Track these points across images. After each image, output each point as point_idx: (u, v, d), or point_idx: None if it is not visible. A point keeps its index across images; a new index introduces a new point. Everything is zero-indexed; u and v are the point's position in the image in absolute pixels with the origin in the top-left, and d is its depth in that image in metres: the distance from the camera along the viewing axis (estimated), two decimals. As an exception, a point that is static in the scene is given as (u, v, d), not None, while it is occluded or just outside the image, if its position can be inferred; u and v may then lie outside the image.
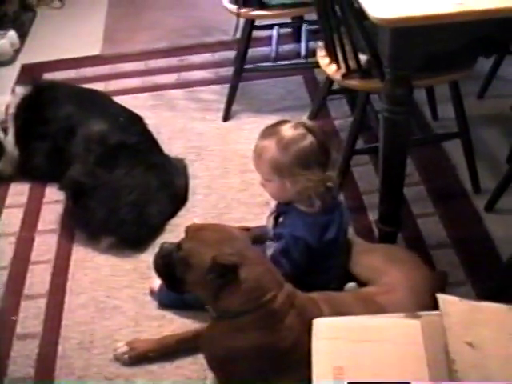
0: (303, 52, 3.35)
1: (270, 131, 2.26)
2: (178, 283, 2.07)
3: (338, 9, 2.39)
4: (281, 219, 2.34)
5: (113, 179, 2.78)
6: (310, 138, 2.18)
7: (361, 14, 2.11)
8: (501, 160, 2.97)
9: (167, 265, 2.07)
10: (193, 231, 2.06)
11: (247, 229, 2.16)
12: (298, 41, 3.64)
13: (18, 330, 2.48)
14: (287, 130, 2.21)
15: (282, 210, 2.35)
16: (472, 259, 2.57)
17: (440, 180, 2.97)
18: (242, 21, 3.23)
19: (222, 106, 3.48)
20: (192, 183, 3.05)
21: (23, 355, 2.38)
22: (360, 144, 3.03)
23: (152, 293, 2.52)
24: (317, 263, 2.28)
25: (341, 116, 3.37)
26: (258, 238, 2.17)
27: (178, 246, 2.04)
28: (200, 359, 2.23)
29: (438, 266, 2.54)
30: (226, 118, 3.46)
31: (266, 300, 1.95)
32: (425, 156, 3.06)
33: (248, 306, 1.96)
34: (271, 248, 2.29)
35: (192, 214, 2.87)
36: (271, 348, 1.96)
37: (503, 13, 1.94)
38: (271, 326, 1.96)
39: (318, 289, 2.16)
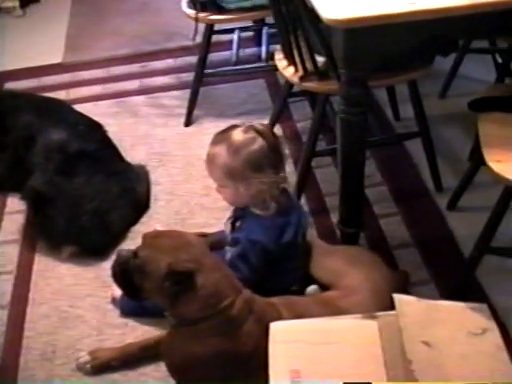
0: (264, 55, 3.34)
1: (221, 137, 2.26)
2: (135, 291, 2.05)
3: (293, 11, 2.39)
4: (238, 224, 2.34)
5: (73, 187, 2.76)
6: (259, 141, 2.19)
7: (315, 16, 2.11)
8: (463, 159, 2.98)
9: (124, 272, 2.05)
10: (149, 238, 2.04)
11: (204, 235, 2.15)
12: (260, 44, 3.63)
13: (-20, 341, 2.45)
14: (237, 135, 2.22)
15: (239, 215, 2.34)
16: (435, 258, 2.58)
17: (402, 180, 2.98)
18: (202, 25, 3.23)
19: (184, 111, 3.47)
20: (154, 189, 3.04)
21: (-15, 367, 2.36)
22: (323, 146, 3.04)
23: (114, 301, 2.51)
24: (275, 266, 2.28)
25: (303, 118, 3.37)
26: (216, 243, 2.15)
27: (135, 253, 2.02)
28: (163, 366, 2.20)
29: (401, 266, 2.55)
30: (188, 123, 3.45)
31: (223, 306, 1.94)
32: (386, 156, 3.08)
33: (205, 312, 1.94)
34: (229, 253, 2.28)
35: (154, 221, 2.85)
36: (231, 354, 1.95)
37: (454, 11, 1.95)
38: (230, 332, 1.95)
39: (279, 292, 2.16)
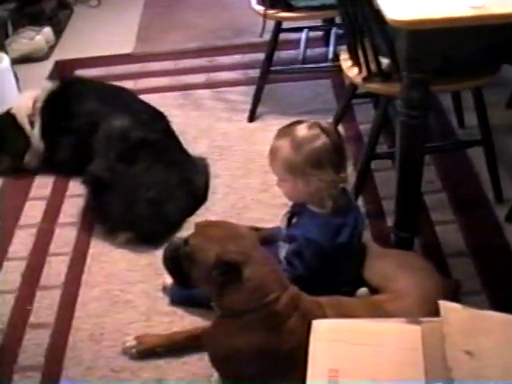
0: (330, 55, 3.35)
1: (285, 131, 2.27)
2: (184, 278, 2.08)
3: (360, 12, 2.38)
4: (294, 220, 2.34)
5: (132, 175, 2.80)
6: (323, 139, 2.18)
7: (381, 17, 2.10)
8: (526, 170, 2.93)
9: (174, 259, 2.08)
10: (201, 227, 2.07)
11: (257, 229, 2.16)
12: (328, 45, 3.64)
13: (32, 319, 2.51)
14: (301, 130, 2.21)
15: (296, 211, 2.35)
16: (489, 269, 2.53)
17: (462, 188, 2.93)
18: (271, 23, 3.24)
19: (249, 107, 3.49)
20: (213, 182, 3.06)
21: (34, 344, 2.41)
22: (384, 149, 3.02)
23: (165, 289, 2.53)
24: (329, 266, 2.27)
25: (366, 121, 3.34)
26: (267, 238, 2.16)
27: (186, 241, 2.04)
28: (207, 357, 2.23)
29: (454, 275, 2.51)
30: (252, 118, 3.46)
31: (268, 300, 1.95)
32: (448, 163, 3.04)
33: (250, 305, 1.95)
34: (283, 248, 2.28)
35: (211, 213, 2.88)
36: (273, 349, 1.96)
37: (521, 18, 1.92)
38: (273, 327, 1.96)
39: (330, 292, 2.15)
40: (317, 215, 2.25)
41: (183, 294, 2.43)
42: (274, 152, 2.27)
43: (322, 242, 2.21)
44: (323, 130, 2.21)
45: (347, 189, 2.35)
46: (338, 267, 2.29)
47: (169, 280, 2.47)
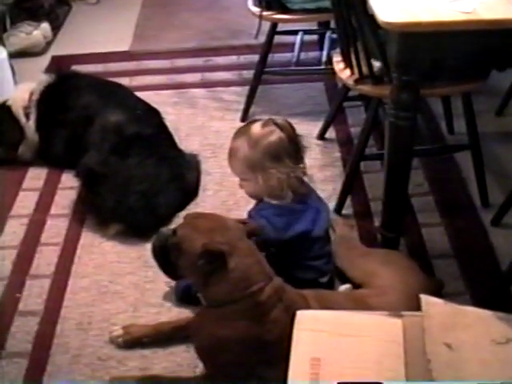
0: (324, 58, 3.39)
1: (241, 131, 2.40)
2: (172, 268, 2.12)
3: (354, 15, 2.43)
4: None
5: (125, 168, 2.84)
6: (278, 133, 2.31)
7: (375, 21, 2.14)
8: (512, 176, 2.98)
9: (163, 249, 2.12)
10: (189, 218, 2.12)
11: (244, 222, 2.19)
12: (322, 49, 3.68)
13: (21, 307, 2.54)
14: (256, 128, 2.34)
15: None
16: (473, 271, 2.58)
17: (449, 192, 2.98)
18: (267, 26, 3.29)
19: (242, 106, 3.53)
20: (204, 179, 3.10)
21: (23, 331, 2.44)
22: (374, 152, 3.06)
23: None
24: (295, 256, 2.34)
25: (357, 123, 3.37)
26: (254, 231, 2.19)
27: (174, 231, 2.09)
28: (193, 348, 2.26)
29: (438, 276, 2.54)
30: (244, 118, 3.49)
31: (252, 291, 2.00)
32: (436, 167, 3.09)
33: (234, 295, 2.00)
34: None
35: (201, 208, 2.91)
36: (256, 339, 2.00)
37: (509, 24, 1.96)
38: (257, 318, 2.00)
39: (308, 284, 2.21)
40: (273, 204, 2.35)
41: (187, 292, 2.44)
42: (233, 153, 2.38)
43: (271, 217, 2.30)
44: (277, 125, 2.32)
45: (303, 177, 2.42)
46: (305, 257, 2.36)
47: None
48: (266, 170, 2.30)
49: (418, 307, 1.99)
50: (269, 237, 2.26)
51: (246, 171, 2.34)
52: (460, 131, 3.22)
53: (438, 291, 2.37)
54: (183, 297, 2.48)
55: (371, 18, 2.20)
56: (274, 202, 2.34)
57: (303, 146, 2.39)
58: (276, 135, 2.30)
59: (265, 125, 2.33)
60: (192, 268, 2.02)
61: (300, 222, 2.32)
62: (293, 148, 2.32)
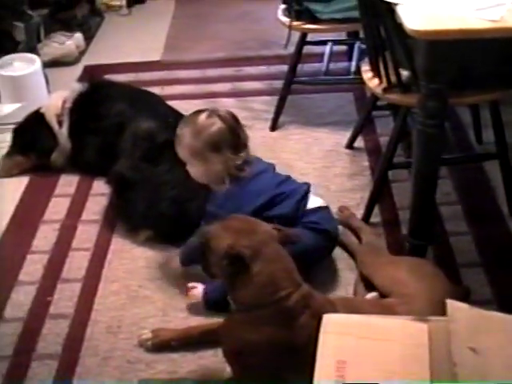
0: (352, 68, 3.42)
1: (188, 120, 2.60)
2: (206, 265, 2.15)
3: (382, 24, 2.45)
4: None
5: (156, 174, 2.87)
6: (219, 124, 2.50)
7: (402, 30, 2.17)
8: (542, 187, 2.96)
9: (201, 245, 2.15)
10: (225, 219, 2.16)
11: (279, 229, 2.19)
12: (351, 59, 3.70)
13: (52, 310, 2.59)
14: (201, 118, 2.53)
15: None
16: (501, 280, 2.58)
17: (477, 201, 2.98)
18: (297, 36, 3.32)
19: (271, 116, 3.56)
20: (234, 187, 3.12)
21: (53, 333, 2.48)
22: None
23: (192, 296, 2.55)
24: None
25: (386, 133, 3.37)
26: (290, 238, 2.20)
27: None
28: (221, 352, 2.28)
29: (465, 284, 2.55)
30: (274, 127, 3.54)
31: (280, 297, 2.01)
32: (465, 177, 3.09)
33: (261, 300, 2.02)
34: None
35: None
36: (284, 345, 2.01)
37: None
38: (285, 323, 2.02)
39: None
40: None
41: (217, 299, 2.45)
42: (179, 139, 2.57)
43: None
44: (219, 117, 2.52)
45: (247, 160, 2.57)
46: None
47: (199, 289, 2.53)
48: (206, 159, 2.50)
49: (444, 315, 2.02)
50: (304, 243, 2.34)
51: (189, 158, 2.55)
52: (488, 140, 3.21)
53: (464, 298, 2.37)
54: (210, 304, 2.50)
55: (399, 26, 2.23)
56: (216, 187, 2.57)
57: (245, 136, 2.57)
58: (217, 126, 2.49)
59: (209, 116, 2.52)
60: (219, 267, 2.06)
61: (249, 203, 2.48)
62: (232, 138, 2.51)
